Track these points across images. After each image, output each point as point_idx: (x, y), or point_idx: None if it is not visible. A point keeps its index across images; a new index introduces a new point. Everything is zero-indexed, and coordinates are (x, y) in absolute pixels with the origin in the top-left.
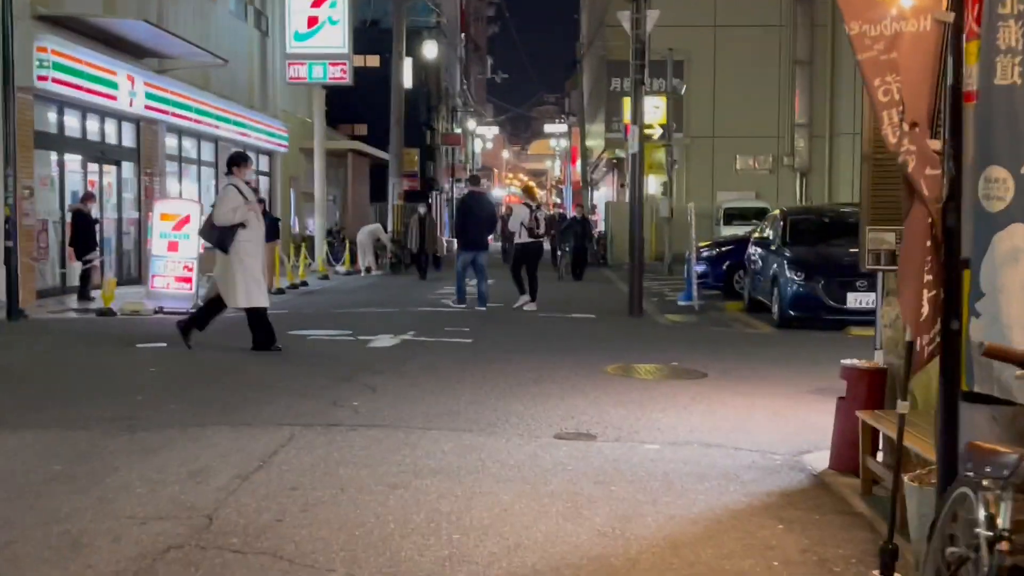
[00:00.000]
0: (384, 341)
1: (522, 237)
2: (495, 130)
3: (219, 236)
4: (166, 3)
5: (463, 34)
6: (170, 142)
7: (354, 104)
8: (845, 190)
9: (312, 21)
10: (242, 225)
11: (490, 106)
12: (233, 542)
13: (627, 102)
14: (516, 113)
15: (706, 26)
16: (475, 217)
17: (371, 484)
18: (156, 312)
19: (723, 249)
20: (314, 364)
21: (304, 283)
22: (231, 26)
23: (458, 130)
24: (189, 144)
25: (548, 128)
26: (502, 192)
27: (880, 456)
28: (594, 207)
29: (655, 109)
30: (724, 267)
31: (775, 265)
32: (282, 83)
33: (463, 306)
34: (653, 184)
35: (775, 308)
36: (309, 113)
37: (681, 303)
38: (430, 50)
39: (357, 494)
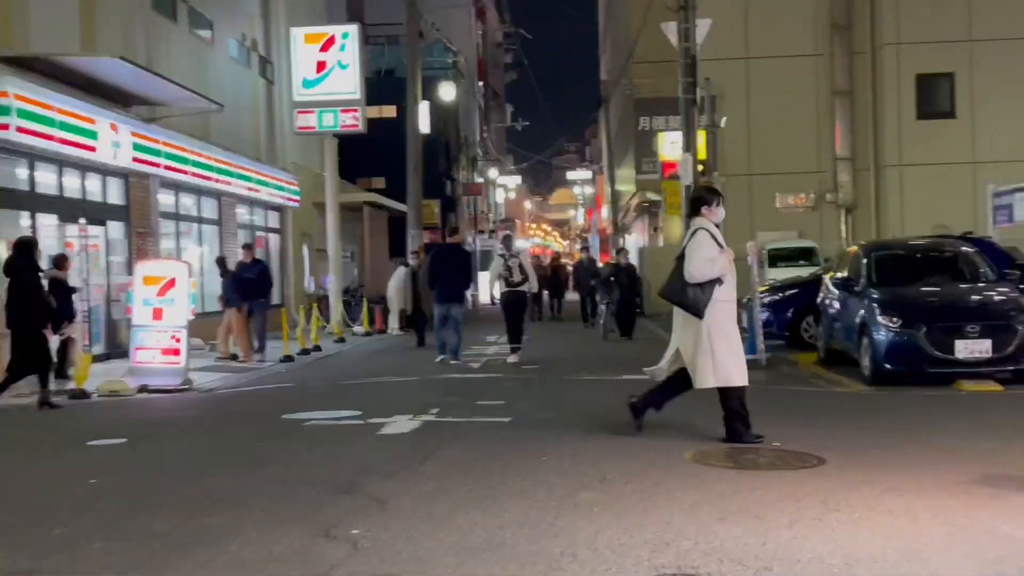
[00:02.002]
0: (400, 425)
1: (498, 288)
2: (517, 179)
3: (692, 296)
4: (157, 45)
5: (481, 82)
6: (165, 199)
7: (371, 157)
8: (894, 225)
9: (320, 66)
10: (719, 280)
11: (511, 156)
12: None
13: (661, 137)
14: (537, 160)
15: (737, 58)
16: (445, 270)
17: None
18: (140, 391)
19: (787, 293)
20: (307, 465)
21: (317, 348)
22: (233, 73)
23: (479, 180)
24: (188, 200)
25: (571, 175)
26: (526, 243)
27: None
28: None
29: None
30: (789, 313)
31: (862, 310)
32: (291, 134)
33: (444, 356)
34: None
35: (865, 361)
36: (322, 166)
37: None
38: (447, 93)
39: None
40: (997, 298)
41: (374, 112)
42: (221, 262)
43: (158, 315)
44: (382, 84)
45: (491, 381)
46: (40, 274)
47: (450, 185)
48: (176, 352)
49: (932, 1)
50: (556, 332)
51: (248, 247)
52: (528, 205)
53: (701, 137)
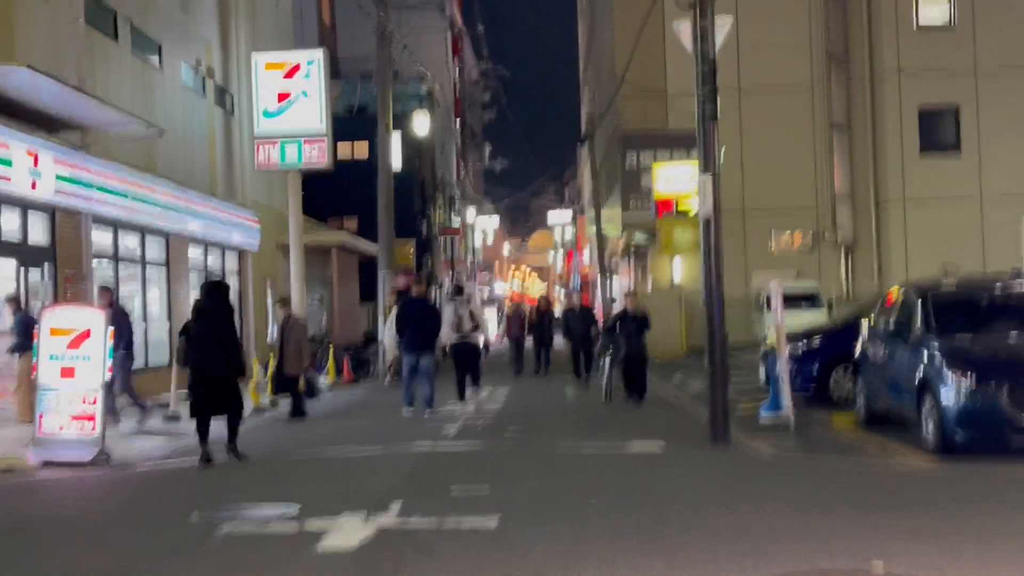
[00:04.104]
0: (348, 533)
1: (451, 338)
2: (495, 222)
3: None
4: (92, 65)
5: (459, 120)
6: (101, 238)
7: (343, 197)
8: (898, 265)
9: (283, 96)
10: None
11: (489, 198)
12: None
13: (656, 171)
14: (517, 199)
15: (728, 88)
16: (412, 320)
17: None
18: (44, 466)
19: (811, 342)
20: None
21: (274, 403)
22: (185, 101)
23: (457, 220)
24: (130, 240)
25: (551, 216)
26: (504, 287)
27: None
28: (613, 300)
29: (691, 179)
30: (816, 366)
31: (922, 365)
32: (252, 169)
33: (412, 408)
34: (678, 269)
35: (927, 427)
36: (286, 204)
37: (765, 416)
38: (421, 125)
39: None
40: None
41: (346, 150)
42: (14, 301)
43: (68, 373)
44: (355, 121)
45: (470, 455)
46: None
47: (426, 225)
48: (90, 418)
49: (935, 30)
50: (544, 389)
51: (106, 289)
52: (507, 247)
53: (696, 170)
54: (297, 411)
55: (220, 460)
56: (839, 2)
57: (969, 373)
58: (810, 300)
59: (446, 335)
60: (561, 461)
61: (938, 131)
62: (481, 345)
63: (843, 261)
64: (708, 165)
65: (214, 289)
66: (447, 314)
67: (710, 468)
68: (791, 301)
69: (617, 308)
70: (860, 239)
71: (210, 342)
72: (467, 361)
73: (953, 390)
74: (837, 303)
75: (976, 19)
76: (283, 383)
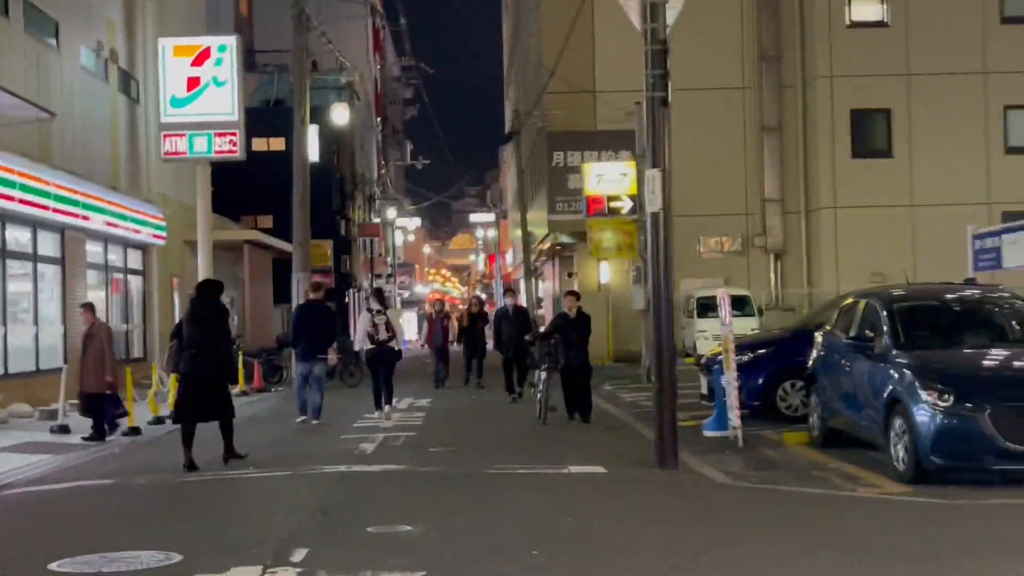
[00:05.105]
0: None
1: (366, 344)
2: (417, 222)
3: None
4: None
5: (379, 118)
6: None
7: (258, 194)
8: (828, 272)
9: (192, 83)
10: None
11: (410, 198)
12: None
13: (587, 169)
14: (438, 199)
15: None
16: (306, 328)
17: None
18: None
19: (757, 353)
20: None
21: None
22: (84, 86)
23: (377, 220)
24: (20, 234)
25: (474, 218)
26: (425, 289)
27: None
28: (540, 301)
29: (622, 177)
30: (760, 379)
31: (891, 383)
32: (158, 160)
33: (304, 417)
34: (605, 272)
35: (898, 451)
36: (195, 198)
37: (709, 434)
38: (340, 116)
39: None
40: None
41: (262, 145)
42: None
43: None
44: (271, 115)
45: (390, 479)
46: None
47: (344, 224)
48: None
49: (867, 32)
50: (471, 402)
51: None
52: (427, 249)
53: (630, 168)
54: (98, 432)
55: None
56: (771, 4)
57: (947, 393)
58: (740, 307)
59: (360, 343)
60: (494, 489)
61: (870, 135)
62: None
63: (773, 267)
64: (658, 159)
65: (204, 289)
66: (362, 322)
67: (662, 500)
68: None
69: (547, 311)
70: (790, 245)
71: (200, 345)
72: (385, 369)
73: (929, 411)
74: (767, 310)
75: (909, 22)
76: (87, 402)
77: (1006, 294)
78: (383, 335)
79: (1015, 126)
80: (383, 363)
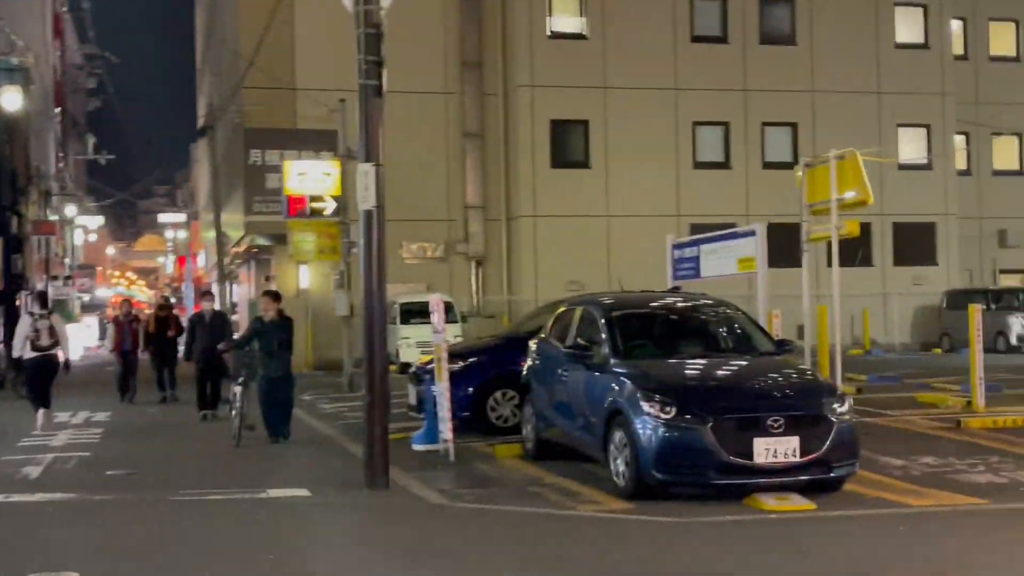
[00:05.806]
0: None
1: (27, 351)
2: (100, 221)
3: None
4: None
5: (59, 108)
6: None
7: None
8: (527, 280)
9: None
10: None
11: (93, 195)
12: None
13: (287, 167)
14: (123, 197)
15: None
16: None
17: None
18: None
19: (469, 361)
20: None
21: None
22: None
23: (54, 218)
24: None
25: (163, 218)
26: (108, 292)
27: None
28: (235, 305)
29: (326, 176)
30: (471, 388)
31: (611, 392)
32: None
33: None
34: (305, 276)
35: (618, 465)
36: None
37: (419, 447)
38: (12, 100)
39: None
40: (796, 378)
41: None
42: None
43: None
44: None
45: (58, 511)
46: None
47: (17, 221)
48: None
49: (567, 43)
50: (158, 417)
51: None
52: (111, 250)
53: (334, 168)
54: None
55: None
56: (474, 10)
57: (669, 405)
58: (445, 314)
59: (20, 350)
60: (181, 520)
61: (569, 146)
62: (61, 361)
63: (474, 274)
64: (372, 152)
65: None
66: (22, 327)
67: (374, 527)
68: (425, 314)
69: (243, 318)
70: (491, 252)
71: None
72: (44, 376)
73: (651, 424)
74: (469, 317)
75: (607, 36)
76: None
77: (710, 301)
78: (45, 341)
79: (703, 141)
80: (42, 369)
